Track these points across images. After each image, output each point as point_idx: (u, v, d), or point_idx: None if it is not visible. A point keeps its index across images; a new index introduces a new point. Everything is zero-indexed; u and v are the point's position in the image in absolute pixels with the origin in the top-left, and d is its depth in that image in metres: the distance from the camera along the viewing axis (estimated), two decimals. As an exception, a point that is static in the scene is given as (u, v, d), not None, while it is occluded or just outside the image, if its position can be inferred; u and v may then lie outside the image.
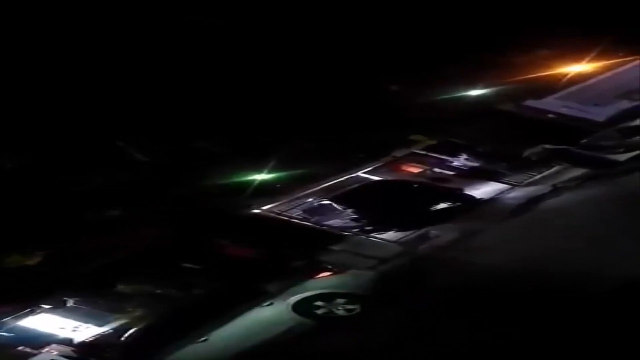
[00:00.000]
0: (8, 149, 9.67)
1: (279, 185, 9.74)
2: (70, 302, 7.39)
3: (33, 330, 7.05)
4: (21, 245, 8.17)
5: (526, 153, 10.40)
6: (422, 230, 8.95)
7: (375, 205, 9.44)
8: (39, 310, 7.26)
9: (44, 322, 7.16)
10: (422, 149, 10.52)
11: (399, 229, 8.97)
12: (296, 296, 7.72)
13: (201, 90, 10.98)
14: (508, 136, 10.73)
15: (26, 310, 7.24)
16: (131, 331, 7.06)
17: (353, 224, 9.14)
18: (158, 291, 7.66)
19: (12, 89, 10.28)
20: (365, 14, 12.59)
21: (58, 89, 10.45)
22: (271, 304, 7.63)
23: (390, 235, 8.91)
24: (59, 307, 7.33)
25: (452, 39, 12.40)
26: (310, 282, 7.98)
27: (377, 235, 8.91)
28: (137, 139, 10.15)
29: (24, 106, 10.20)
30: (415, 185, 9.83)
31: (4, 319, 7.13)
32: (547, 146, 10.45)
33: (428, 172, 10.09)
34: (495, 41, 12.37)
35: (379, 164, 10.13)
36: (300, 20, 11.94)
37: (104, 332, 7.05)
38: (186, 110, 10.73)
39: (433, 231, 8.92)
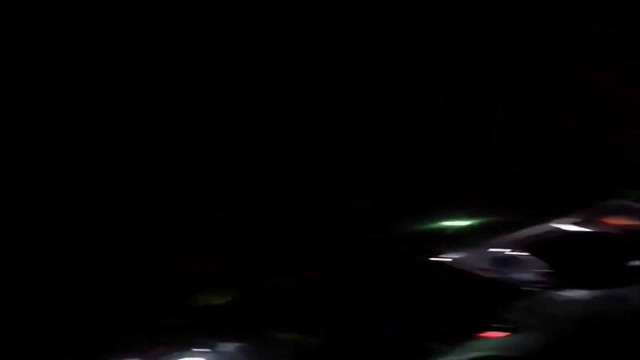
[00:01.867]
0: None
1: (469, 234, 9.21)
2: (224, 348, 7.23)
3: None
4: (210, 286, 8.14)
5: None
6: (617, 290, 8.12)
7: (570, 260, 8.69)
8: (188, 354, 7.15)
9: (191, 366, 7.05)
10: (634, 200, 9.60)
11: (591, 286, 8.18)
12: (456, 357, 7.16)
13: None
14: None
15: (176, 354, 7.15)
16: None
17: (541, 278, 8.44)
18: (312, 340, 7.35)
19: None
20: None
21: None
22: (431, 363, 7.13)
23: (579, 293, 8.14)
24: (209, 351, 7.19)
25: None
26: (478, 342, 7.39)
27: (565, 293, 8.16)
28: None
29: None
30: (616, 240, 8.96)
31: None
32: None
33: (634, 226, 9.18)
34: None
35: (579, 214, 9.33)
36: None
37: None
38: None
39: (629, 292, 8.07)
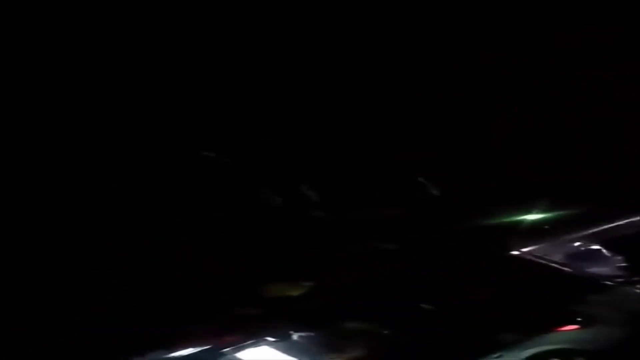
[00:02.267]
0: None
1: (547, 227, 9.08)
2: (294, 337, 7.29)
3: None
4: (281, 276, 8.19)
5: None
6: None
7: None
8: (262, 343, 7.23)
9: (262, 355, 7.13)
10: None
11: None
12: (530, 350, 7.12)
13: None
14: None
15: (250, 342, 7.23)
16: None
17: (621, 272, 8.30)
18: (385, 332, 7.37)
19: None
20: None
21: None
22: (501, 356, 7.08)
23: (659, 288, 7.98)
24: (282, 340, 7.26)
25: None
26: (551, 335, 7.31)
27: (644, 288, 8.01)
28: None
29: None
30: None
31: (226, 349, 7.17)
32: None
33: None
34: None
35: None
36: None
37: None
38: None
39: None
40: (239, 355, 7.16)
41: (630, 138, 10.00)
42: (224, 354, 7.13)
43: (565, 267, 8.45)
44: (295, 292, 7.73)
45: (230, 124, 9.98)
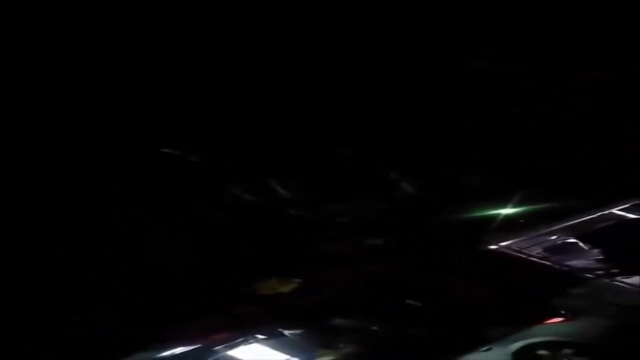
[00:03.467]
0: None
1: (522, 221, 9.19)
2: (285, 334, 7.31)
3: (239, 360, 7.07)
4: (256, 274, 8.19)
5: None
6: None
7: (628, 247, 8.66)
8: (252, 340, 7.23)
9: (253, 352, 7.13)
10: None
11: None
12: (519, 342, 7.20)
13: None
14: None
15: (240, 340, 7.22)
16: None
17: (598, 265, 8.43)
18: (373, 327, 7.41)
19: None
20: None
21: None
22: (490, 349, 7.16)
23: (638, 280, 8.12)
24: (272, 338, 7.27)
25: None
26: (538, 328, 7.41)
27: (623, 280, 8.14)
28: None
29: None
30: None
31: (217, 347, 7.16)
32: None
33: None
34: None
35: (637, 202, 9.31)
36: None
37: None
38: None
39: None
40: (230, 353, 7.16)
41: (604, 133, 10.17)
42: (215, 352, 7.13)
43: (543, 260, 8.56)
44: (284, 289, 7.75)
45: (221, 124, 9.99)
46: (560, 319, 7.57)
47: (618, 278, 8.17)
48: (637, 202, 9.30)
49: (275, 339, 7.29)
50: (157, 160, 9.41)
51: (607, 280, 8.18)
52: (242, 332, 7.30)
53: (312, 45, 10.47)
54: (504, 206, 9.38)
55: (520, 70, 10.60)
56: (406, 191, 9.83)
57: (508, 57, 10.71)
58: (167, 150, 9.57)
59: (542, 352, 7.12)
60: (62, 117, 9.77)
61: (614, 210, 9.25)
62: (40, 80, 9.99)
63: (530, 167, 10.00)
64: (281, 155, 9.97)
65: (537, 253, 8.67)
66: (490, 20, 10.74)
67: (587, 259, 8.56)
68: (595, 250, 8.64)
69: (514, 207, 9.39)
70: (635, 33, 10.50)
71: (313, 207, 9.24)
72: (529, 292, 7.97)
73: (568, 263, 8.49)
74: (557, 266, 8.45)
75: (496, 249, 8.78)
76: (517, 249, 8.75)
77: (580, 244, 8.76)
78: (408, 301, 7.80)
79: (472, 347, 7.20)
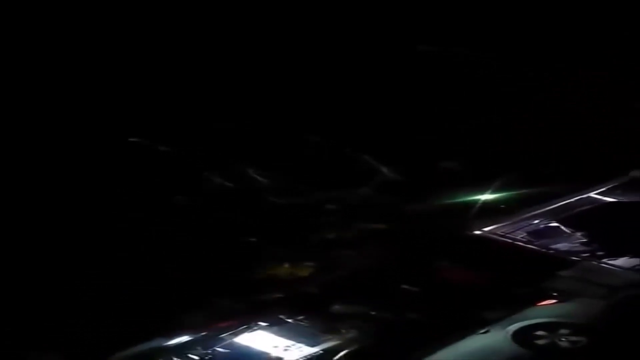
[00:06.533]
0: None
1: (503, 206, 9.36)
2: (287, 321, 7.37)
3: (246, 347, 7.08)
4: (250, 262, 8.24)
5: None
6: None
7: (609, 229, 8.88)
8: (255, 328, 7.28)
9: (259, 339, 7.17)
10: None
11: (634, 255, 8.38)
12: (516, 324, 7.36)
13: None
14: None
15: (243, 327, 7.27)
16: (341, 354, 6.95)
17: (582, 248, 8.63)
18: (373, 313, 7.51)
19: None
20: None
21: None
22: (488, 331, 7.31)
23: (623, 261, 8.34)
24: (275, 324, 7.32)
25: None
26: (533, 310, 7.59)
27: (609, 262, 8.36)
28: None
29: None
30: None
31: (222, 335, 7.19)
32: None
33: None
34: None
35: (615, 184, 9.53)
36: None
37: (314, 353, 6.98)
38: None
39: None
40: (235, 340, 7.21)
41: (581, 117, 10.39)
42: (222, 339, 7.17)
43: (528, 244, 8.73)
44: (283, 277, 7.82)
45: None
46: (553, 301, 7.75)
47: (603, 260, 8.38)
48: (615, 184, 9.54)
49: (278, 325, 7.35)
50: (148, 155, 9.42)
51: (593, 262, 8.39)
52: (246, 319, 7.34)
53: (298, 39, 10.52)
54: (484, 192, 9.54)
55: (497, 56, 10.77)
56: (386, 178, 9.94)
57: (483, 44, 10.87)
58: (160, 145, 9.56)
59: (540, 332, 7.28)
60: (62, 117, 9.75)
61: (592, 194, 9.48)
62: (41, 81, 9.97)
63: (510, 152, 10.19)
64: (260, 142, 10.02)
65: (522, 237, 8.84)
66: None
67: (570, 242, 8.75)
68: (578, 234, 8.85)
69: (494, 192, 9.55)
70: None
71: (300, 195, 9.31)
72: (518, 275, 8.13)
73: (552, 246, 8.67)
74: (542, 250, 8.64)
75: (480, 234, 8.93)
76: (502, 233, 8.91)
77: (563, 227, 8.95)
78: (403, 287, 7.91)
79: (470, 331, 7.33)
